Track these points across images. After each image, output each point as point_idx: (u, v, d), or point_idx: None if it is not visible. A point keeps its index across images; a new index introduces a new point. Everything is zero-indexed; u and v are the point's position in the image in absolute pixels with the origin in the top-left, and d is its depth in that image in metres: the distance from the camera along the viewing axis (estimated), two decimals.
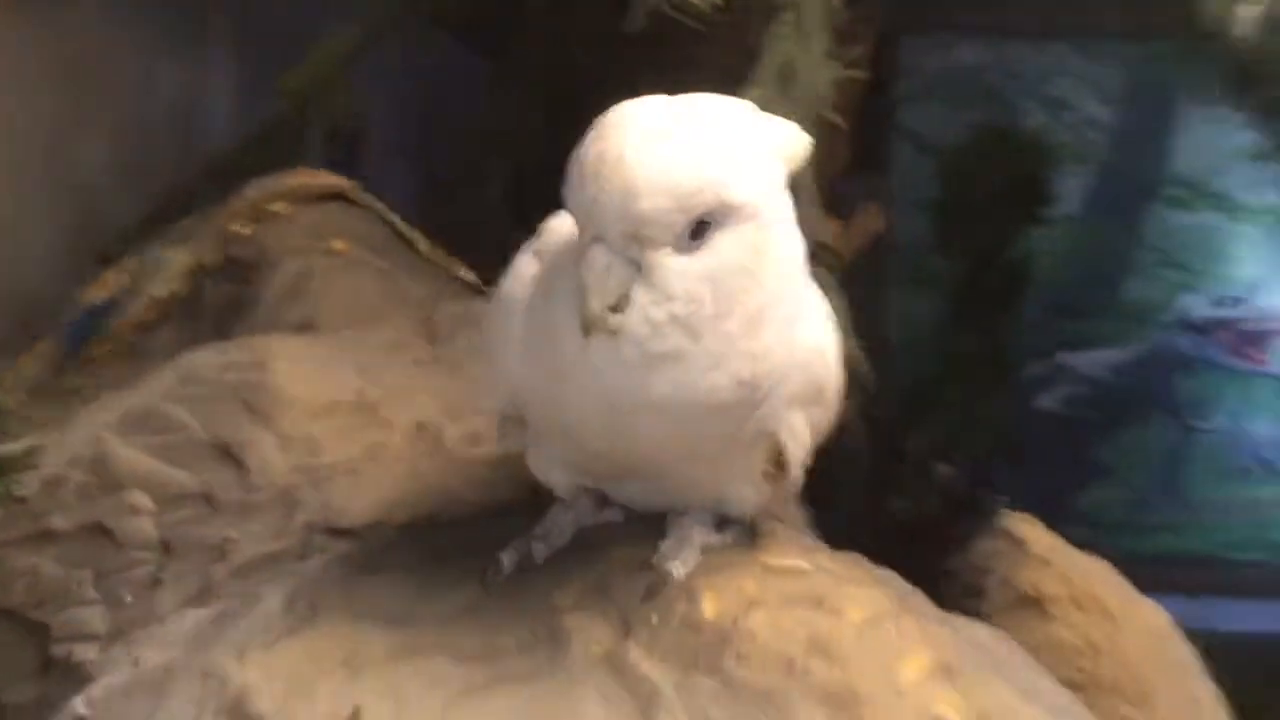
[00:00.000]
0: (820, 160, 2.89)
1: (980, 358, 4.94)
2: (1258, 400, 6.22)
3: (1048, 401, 6.33)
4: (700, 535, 0.86)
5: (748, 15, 2.54)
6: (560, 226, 0.88)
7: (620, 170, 0.71)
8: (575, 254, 0.76)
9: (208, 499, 1.11)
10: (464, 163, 3.97)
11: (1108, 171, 6.22)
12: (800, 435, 0.83)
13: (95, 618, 1.06)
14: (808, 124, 2.31)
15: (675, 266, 0.73)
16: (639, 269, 0.72)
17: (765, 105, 0.93)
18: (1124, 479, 6.14)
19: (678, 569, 0.83)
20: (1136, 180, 6.16)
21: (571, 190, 0.74)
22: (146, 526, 1.11)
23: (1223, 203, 6.20)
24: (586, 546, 0.87)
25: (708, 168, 0.73)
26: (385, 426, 1.16)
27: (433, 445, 1.13)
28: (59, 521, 1.15)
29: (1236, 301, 6.10)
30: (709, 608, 0.78)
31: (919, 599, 0.85)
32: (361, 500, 1.06)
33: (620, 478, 0.88)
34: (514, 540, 0.88)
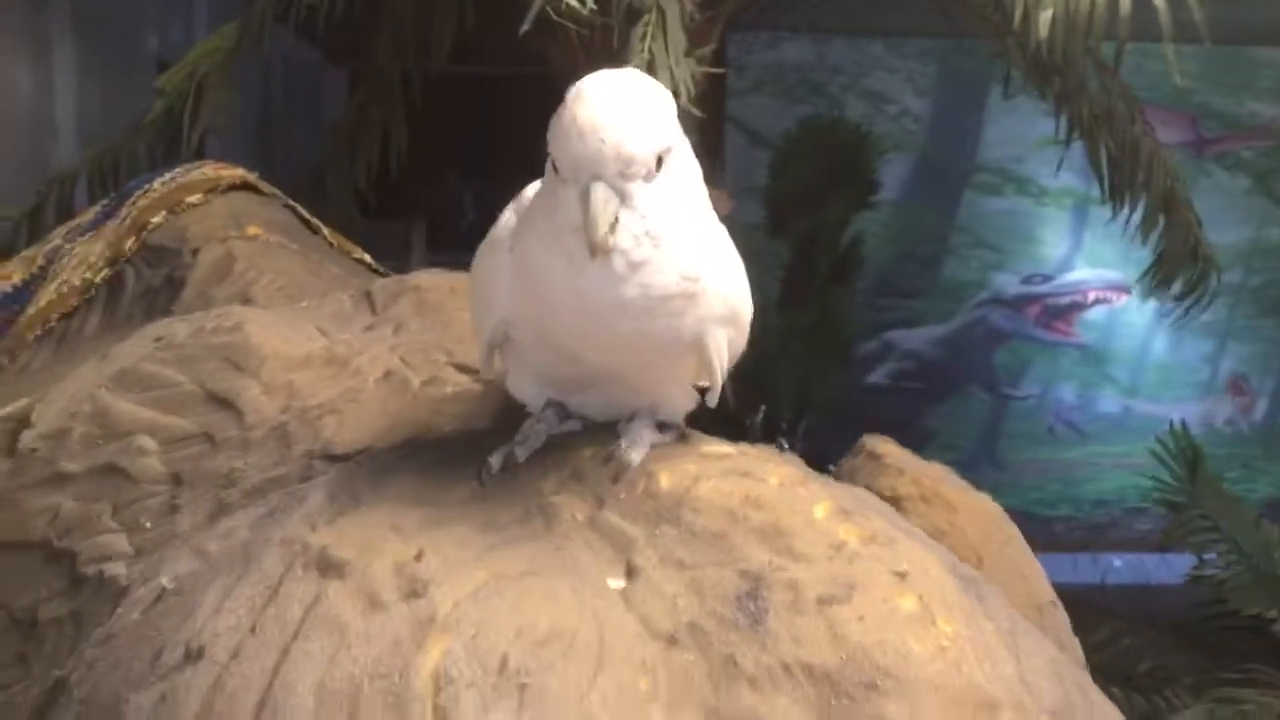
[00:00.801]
0: None
1: (815, 336, 5.29)
2: (1064, 369, 6.79)
3: (877, 376, 6.77)
4: (648, 434, 1.10)
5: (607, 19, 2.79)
6: (530, 192, 1.11)
7: (614, 124, 0.95)
8: (554, 201, 0.99)
9: (209, 438, 1.29)
10: (310, 161, 4.11)
11: (924, 160, 6.69)
12: (721, 349, 1.07)
13: (119, 542, 1.24)
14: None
15: (646, 192, 0.98)
16: (622, 199, 0.96)
17: None
18: (947, 444, 6.63)
19: (634, 457, 1.06)
20: (950, 167, 6.64)
21: (568, 144, 0.96)
22: (155, 464, 1.29)
23: (1027, 187, 6.75)
24: (557, 449, 1.10)
25: (664, 117, 0.99)
26: (356, 375, 1.36)
27: (400, 389, 1.33)
28: (70, 466, 1.32)
29: (1044, 279, 6.66)
30: (664, 481, 1.02)
31: (816, 474, 1.10)
32: (348, 433, 1.26)
33: (585, 388, 1.11)
34: (499, 447, 1.10)
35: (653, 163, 0.98)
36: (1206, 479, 3.65)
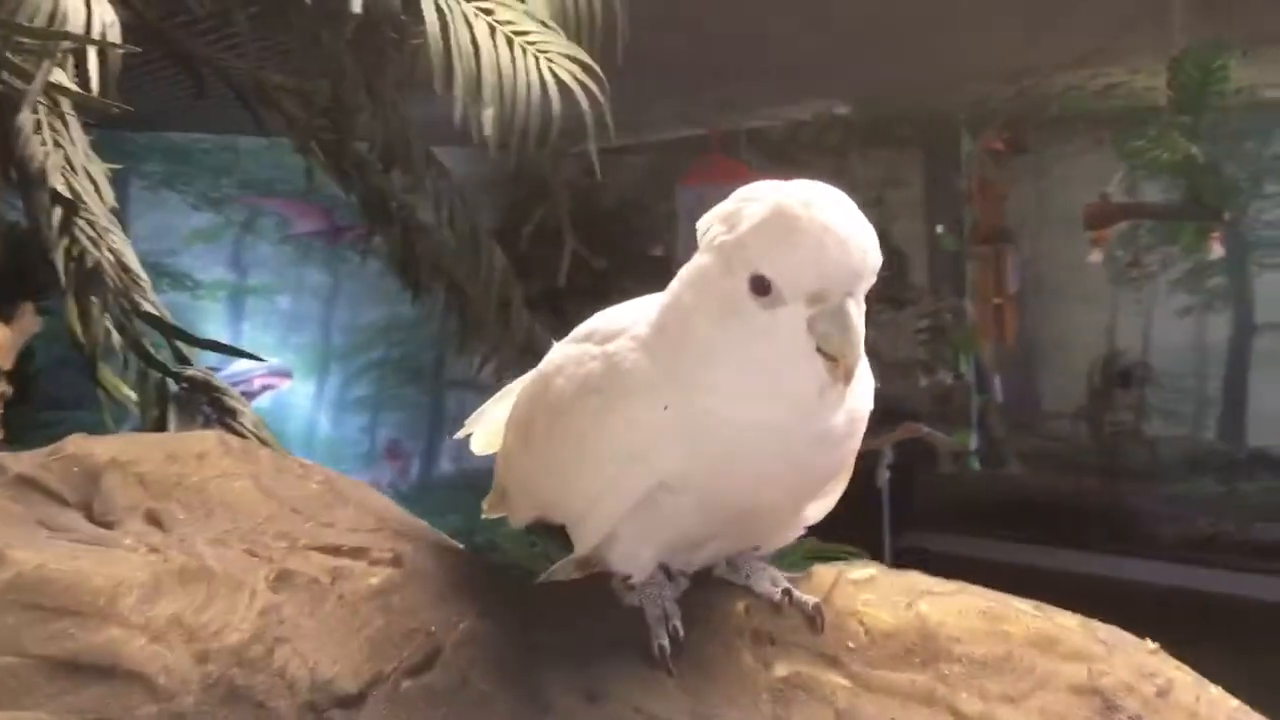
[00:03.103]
0: None
1: None
2: None
3: None
4: (779, 574, 0.97)
5: None
6: (600, 326, 0.94)
7: (865, 235, 0.84)
8: (753, 331, 0.84)
9: None
10: None
11: None
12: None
13: None
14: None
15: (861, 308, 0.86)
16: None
17: None
18: None
19: (808, 601, 0.94)
20: None
21: (820, 258, 0.83)
22: None
23: (183, 281, 6.57)
24: (693, 618, 0.94)
25: None
26: (240, 589, 0.98)
27: (319, 596, 0.99)
28: None
29: (215, 370, 6.49)
30: (886, 618, 0.92)
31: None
32: (331, 666, 0.92)
33: (705, 544, 0.95)
34: (648, 628, 0.91)
35: None
36: None
